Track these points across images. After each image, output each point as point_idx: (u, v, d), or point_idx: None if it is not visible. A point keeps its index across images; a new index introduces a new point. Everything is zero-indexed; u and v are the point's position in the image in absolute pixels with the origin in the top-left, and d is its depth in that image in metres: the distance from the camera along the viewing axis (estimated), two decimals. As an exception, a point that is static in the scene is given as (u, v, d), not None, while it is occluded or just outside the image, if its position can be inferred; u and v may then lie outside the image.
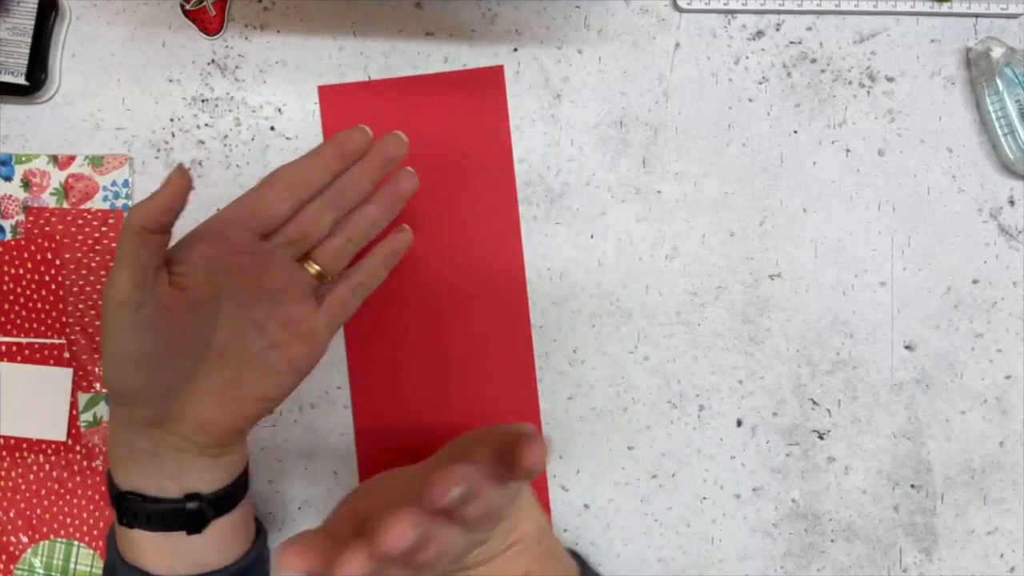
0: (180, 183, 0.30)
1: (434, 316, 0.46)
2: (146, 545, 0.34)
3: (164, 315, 0.31)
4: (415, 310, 0.46)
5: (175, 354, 0.32)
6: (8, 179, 0.45)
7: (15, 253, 0.45)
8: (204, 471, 0.34)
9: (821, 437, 0.47)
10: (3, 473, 0.45)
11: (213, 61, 0.46)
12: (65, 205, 0.45)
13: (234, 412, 0.34)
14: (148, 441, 0.33)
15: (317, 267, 0.37)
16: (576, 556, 0.41)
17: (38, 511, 0.45)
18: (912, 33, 0.47)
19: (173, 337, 0.32)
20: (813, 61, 0.47)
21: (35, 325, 0.45)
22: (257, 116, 0.46)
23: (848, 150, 0.47)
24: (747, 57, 0.47)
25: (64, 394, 0.45)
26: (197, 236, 0.34)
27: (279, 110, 0.46)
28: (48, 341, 0.45)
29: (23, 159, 0.45)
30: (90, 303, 0.45)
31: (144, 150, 0.46)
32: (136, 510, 0.33)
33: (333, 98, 0.46)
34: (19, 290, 0.45)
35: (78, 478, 0.45)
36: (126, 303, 0.30)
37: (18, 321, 0.45)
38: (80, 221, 0.45)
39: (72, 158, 0.45)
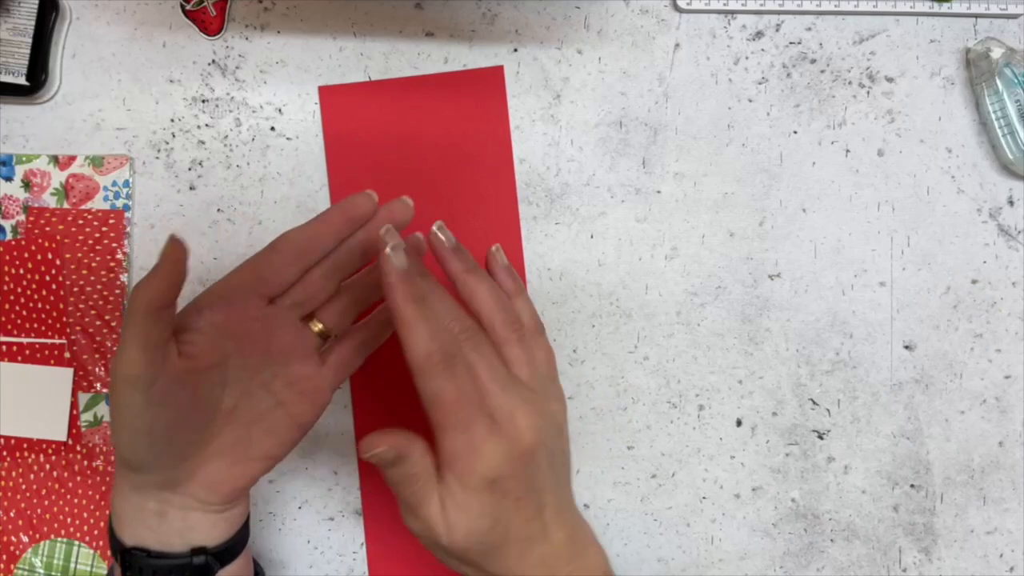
0: (176, 256, 0.30)
1: (434, 316, 0.46)
2: None
3: (175, 387, 0.31)
4: (415, 310, 0.46)
5: (187, 423, 0.33)
6: (8, 179, 0.45)
7: (15, 253, 0.45)
8: (210, 527, 0.35)
9: (821, 437, 0.47)
10: (3, 473, 0.45)
11: (213, 61, 0.46)
12: (66, 205, 0.45)
13: (242, 471, 0.35)
14: (156, 502, 0.33)
15: (321, 326, 0.37)
16: None
17: (38, 511, 0.45)
18: (912, 33, 0.48)
19: (184, 407, 0.32)
20: (813, 61, 0.47)
21: (35, 325, 0.45)
22: (257, 116, 0.46)
23: (848, 150, 0.47)
24: (747, 57, 0.47)
25: (64, 394, 0.45)
26: (205, 303, 0.35)
27: (279, 110, 0.46)
28: (48, 341, 0.45)
29: (24, 159, 0.45)
30: (90, 303, 0.45)
31: (145, 150, 0.46)
32: (142, 565, 0.34)
33: (333, 98, 0.46)
34: (19, 290, 0.45)
35: (78, 478, 0.45)
36: (137, 381, 0.30)
37: (18, 321, 0.45)
38: (80, 221, 0.45)
39: (72, 158, 0.45)
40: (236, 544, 0.36)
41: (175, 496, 0.33)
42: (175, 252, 0.30)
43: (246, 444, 0.35)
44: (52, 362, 0.45)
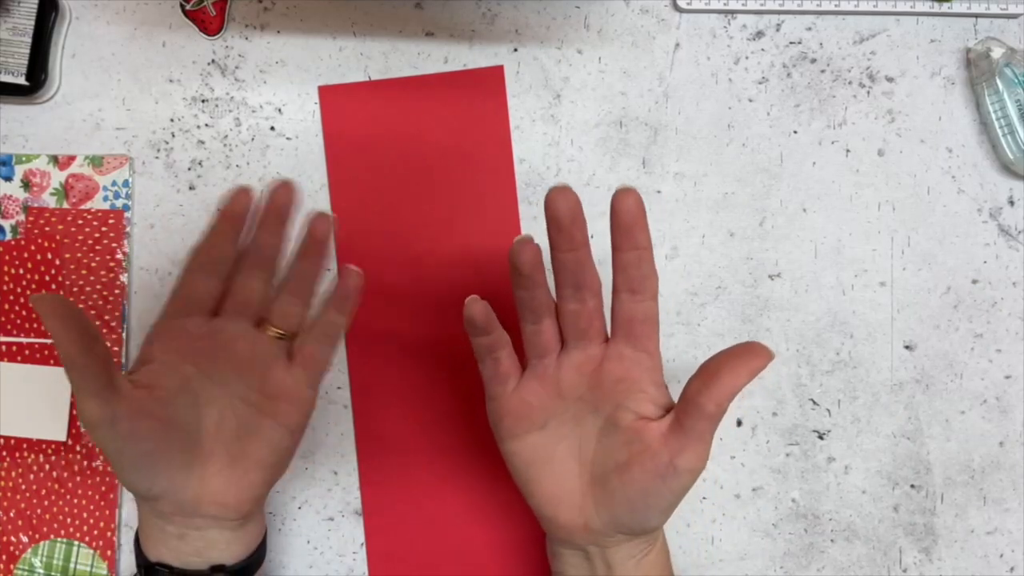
0: (64, 312, 0.30)
1: (434, 316, 0.46)
2: None
3: (140, 419, 0.33)
4: (415, 310, 0.46)
5: (170, 448, 0.34)
6: (8, 179, 0.45)
7: (15, 253, 0.45)
8: (227, 545, 0.36)
9: (821, 437, 0.47)
10: (3, 473, 0.45)
11: (213, 61, 0.46)
12: (65, 205, 0.45)
13: (245, 483, 0.36)
14: (175, 526, 0.36)
15: (276, 329, 0.38)
16: None
17: (38, 511, 0.45)
18: (912, 33, 0.47)
19: (158, 434, 0.34)
20: (813, 61, 0.47)
21: (35, 325, 0.45)
22: (257, 116, 0.46)
23: (848, 150, 0.47)
24: (747, 57, 0.47)
25: (64, 394, 0.45)
26: (152, 337, 0.36)
27: (279, 110, 0.46)
28: (48, 341, 0.45)
29: (23, 159, 0.45)
30: (90, 303, 0.45)
31: (144, 150, 0.46)
32: None
33: (333, 98, 0.46)
34: (19, 290, 0.45)
35: (78, 478, 0.45)
36: (100, 424, 0.32)
37: (18, 321, 0.45)
38: (80, 221, 0.45)
39: (72, 158, 0.45)
40: (253, 563, 0.38)
41: (192, 520, 0.35)
42: (61, 308, 0.30)
43: (242, 457, 0.36)
44: (52, 362, 0.45)
